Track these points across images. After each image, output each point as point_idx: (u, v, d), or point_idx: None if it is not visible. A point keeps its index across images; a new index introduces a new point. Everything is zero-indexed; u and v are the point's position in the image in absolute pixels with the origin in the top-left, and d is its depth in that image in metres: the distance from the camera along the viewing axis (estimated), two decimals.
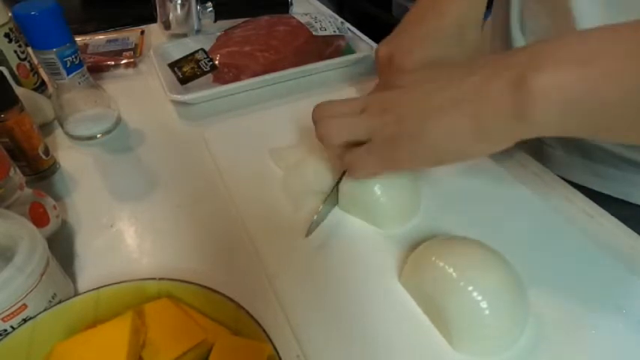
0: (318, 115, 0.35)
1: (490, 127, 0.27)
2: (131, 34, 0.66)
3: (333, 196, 0.38)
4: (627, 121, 0.25)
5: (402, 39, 0.44)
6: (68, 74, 0.43)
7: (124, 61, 0.60)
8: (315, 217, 0.36)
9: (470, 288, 0.28)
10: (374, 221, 0.37)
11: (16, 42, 0.49)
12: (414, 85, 0.32)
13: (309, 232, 0.35)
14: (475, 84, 0.28)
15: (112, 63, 0.60)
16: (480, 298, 0.28)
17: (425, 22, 0.43)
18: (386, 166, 0.33)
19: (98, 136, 0.48)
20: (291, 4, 0.68)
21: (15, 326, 0.27)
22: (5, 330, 0.27)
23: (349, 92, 0.54)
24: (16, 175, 0.34)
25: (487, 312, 0.27)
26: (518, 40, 0.47)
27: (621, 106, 0.24)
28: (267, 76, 0.52)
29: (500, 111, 0.27)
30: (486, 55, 0.30)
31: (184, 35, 0.63)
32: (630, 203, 0.44)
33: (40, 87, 0.53)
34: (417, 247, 0.33)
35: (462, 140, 0.29)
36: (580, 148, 0.45)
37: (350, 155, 0.34)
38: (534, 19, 0.45)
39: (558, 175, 0.42)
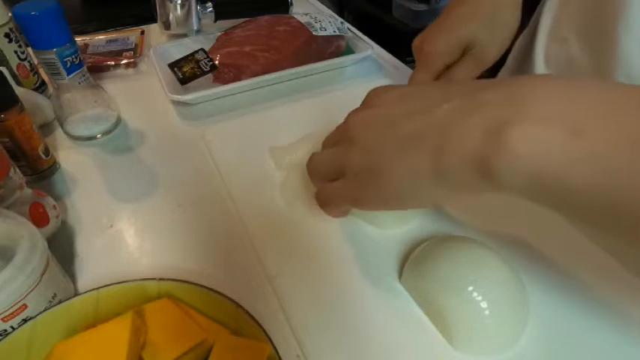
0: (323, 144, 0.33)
1: (450, 172, 0.22)
2: (131, 34, 0.66)
3: None
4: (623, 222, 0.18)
5: (433, 26, 0.44)
6: (68, 74, 0.43)
7: (124, 61, 0.60)
8: None
9: (470, 288, 0.28)
10: (374, 221, 0.37)
11: (16, 42, 0.49)
12: (384, 109, 0.27)
13: None
14: (444, 116, 0.23)
15: (112, 63, 0.60)
16: (479, 298, 0.28)
17: (459, 6, 0.43)
18: (353, 204, 0.29)
19: (98, 136, 0.48)
20: (291, 4, 0.68)
21: (15, 326, 0.27)
22: (5, 330, 0.27)
23: (349, 92, 0.54)
24: (16, 175, 0.34)
25: (487, 312, 0.27)
26: (540, 64, 0.46)
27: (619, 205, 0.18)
28: (267, 76, 0.52)
29: (463, 156, 0.22)
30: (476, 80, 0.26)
31: (184, 35, 0.63)
32: None
33: (40, 87, 0.53)
34: (417, 247, 0.33)
35: (422, 182, 0.24)
36: None
37: (320, 190, 0.31)
38: (562, 45, 0.43)
39: None
